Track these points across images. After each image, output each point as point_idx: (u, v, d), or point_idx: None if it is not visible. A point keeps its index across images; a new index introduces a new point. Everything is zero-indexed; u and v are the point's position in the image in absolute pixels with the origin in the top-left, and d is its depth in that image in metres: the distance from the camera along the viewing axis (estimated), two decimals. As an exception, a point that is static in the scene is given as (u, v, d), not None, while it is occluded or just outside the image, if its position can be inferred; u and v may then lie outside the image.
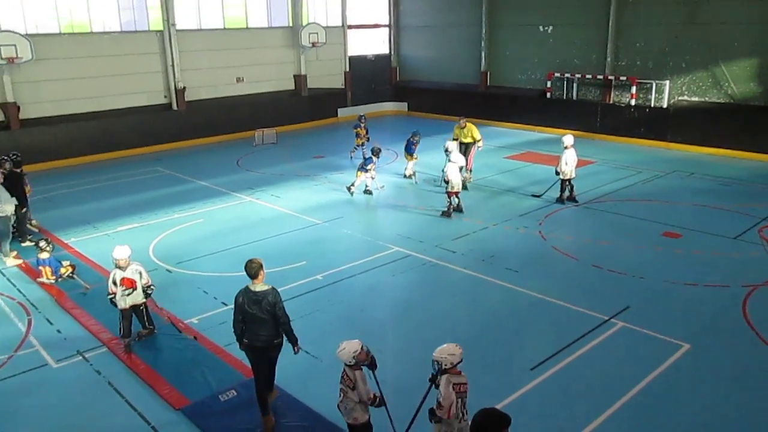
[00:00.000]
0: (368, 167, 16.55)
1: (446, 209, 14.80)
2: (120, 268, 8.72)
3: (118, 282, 8.71)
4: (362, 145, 20.23)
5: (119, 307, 8.81)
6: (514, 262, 11.92)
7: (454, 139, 17.39)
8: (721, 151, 20.59)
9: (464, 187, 16.04)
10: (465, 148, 17.55)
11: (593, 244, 12.88)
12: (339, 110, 29.60)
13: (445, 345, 5.80)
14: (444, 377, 5.66)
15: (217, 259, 12.33)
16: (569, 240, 13.10)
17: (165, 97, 24.11)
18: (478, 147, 17.74)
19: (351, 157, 20.67)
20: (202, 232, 14.12)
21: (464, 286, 11.07)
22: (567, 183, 15.56)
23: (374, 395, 6.15)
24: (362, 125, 20.37)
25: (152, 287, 9.09)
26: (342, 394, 6.12)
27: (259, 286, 6.88)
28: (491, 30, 27.64)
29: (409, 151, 18.03)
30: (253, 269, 6.85)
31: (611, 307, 9.92)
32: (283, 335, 7.05)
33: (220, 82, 25.53)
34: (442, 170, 15.01)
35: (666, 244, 12.74)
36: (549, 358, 8.49)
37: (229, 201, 16.60)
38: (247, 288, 6.94)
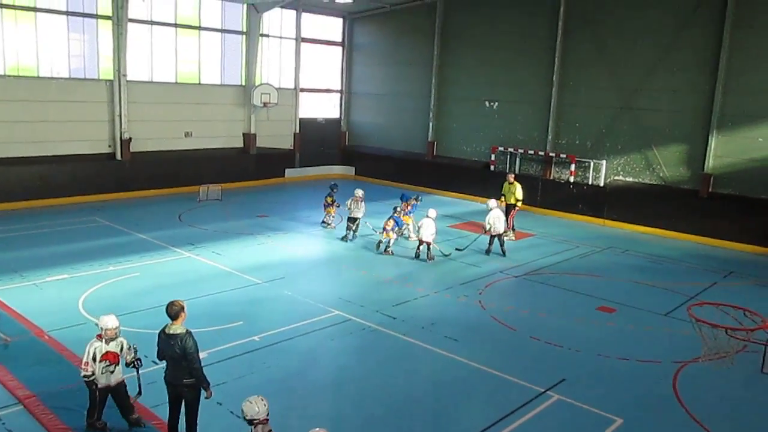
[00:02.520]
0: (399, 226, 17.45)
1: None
2: (104, 340, 7.66)
3: (98, 357, 7.60)
4: (333, 212, 19.86)
5: (100, 385, 7.67)
6: (453, 331, 11.94)
7: (502, 195, 19.39)
8: (654, 230, 21.48)
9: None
10: (506, 209, 19.13)
11: (531, 315, 13.07)
12: (287, 170, 29.70)
13: (252, 398, 6.13)
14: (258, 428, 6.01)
15: (152, 316, 11.86)
16: (508, 310, 13.25)
17: (109, 146, 23.69)
18: (517, 207, 19.36)
19: (328, 225, 19.87)
20: (138, 286, 13.66)
21: (403, 353, 10.98)
22: (494, 238, 17.34)
23: None
24: (334, 194, 19.83)
25: (140, 361, 7.85)
26: None
27: (174, 328, 7.19)
28: (440, 102, 28.55)
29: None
30: (174, 310, 7.20)
31: (547, 379, 9.99)
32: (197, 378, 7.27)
33: (167, 135, 25.33)
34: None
35: (601, 318, 13.04)
36: (485, 429, 8.42)
37: (168, 256, 16.20)
38: (162, 329, 7.27)
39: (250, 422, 6.04)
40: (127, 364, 7.80)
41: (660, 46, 21.69)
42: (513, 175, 20.37)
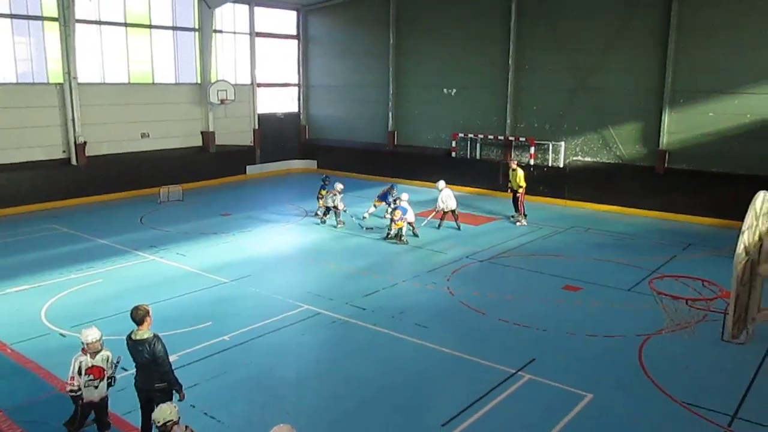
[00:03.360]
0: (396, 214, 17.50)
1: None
2: (89, 353, 7.34)
3: (83, 371, 7.28)
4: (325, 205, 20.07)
5: (85, 399, 7.34)
6: (423, 318, 12.03)
7: (509, 181, 19.98)
8: (614, 207, 21.92)
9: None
10: (513, 195, 19.94)
11: (499, 298, 13.24)
12: (248, 167, 29.40)
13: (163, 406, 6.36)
14: None
15: (117, 322, 11.65)
16: (476, 295, 13.40)
17: (63, 152, 23.12)
18: (520, 192, 19.77)
19: (323, 221, 19.87)
20: (102, 292, 13.40)
21: (375, 343, 11.03)
22: (445, 214, 18.95)
23: None
24: (327, 186, 20.14)
25: (114, 378, 7.58)
26: None
27: (141, 333, 7.14)
28: (398, 91, 28.56)
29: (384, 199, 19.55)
30: (139, 315, 7.12)
31: (518, 360, 10.15)
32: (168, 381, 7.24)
33: (124, 137, 24.81)
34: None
35: (567, 297, 13.28)
36: (460, 413, 8.53)
37: (131, 260, 15.92)
38: (129, 335, 7.18)
39: (164, 426, 6.26)
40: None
41: (612, 26, 22.04)
42: (515, 162, 20.77)
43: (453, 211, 18.96)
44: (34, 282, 14.00)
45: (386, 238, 17.79)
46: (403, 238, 17.48)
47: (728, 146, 20.26)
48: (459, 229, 18.89)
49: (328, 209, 19.49)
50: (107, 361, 7.44)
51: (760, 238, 7.60)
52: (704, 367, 10.08)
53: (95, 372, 7.34)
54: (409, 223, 17.81)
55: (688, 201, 20.61)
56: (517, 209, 19.98)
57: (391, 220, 17.66)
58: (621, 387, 9.38)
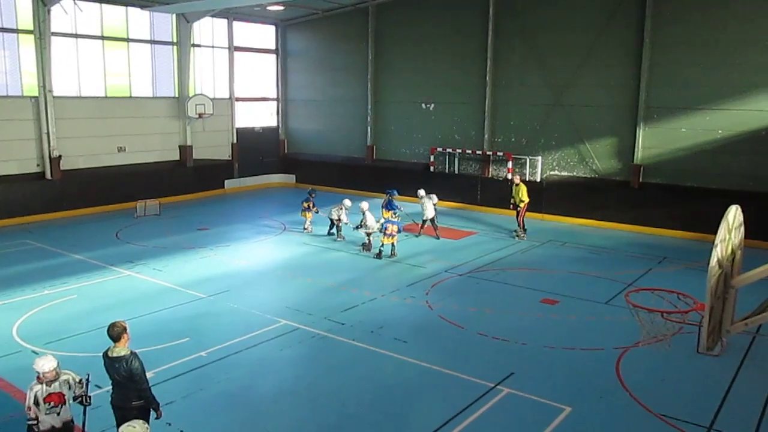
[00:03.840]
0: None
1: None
2: (44, 382, 6.89)
3: (41, 401, 6.85)
4: (311, 217, 20.62)
5: (44, 427, 6.90)
6: (402, 333, 12.02)
7: (512, 197, 20.05)
8: (590, 221, 22.17)
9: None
10: (516, 210, 20.09)
11: (478, 312, 13.28)
12: (226, 182, 29.26)
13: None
14: None
15: (92, 338, 11.50)
16: (455, 309, 13.43)
17: (38, 165, 22.82)
18: (521, 207, 19.92)
19: (308, 231, 20.46)
20: (76, 309, 13.19)
21: (353, 358, 10.98)
22: (425, 222, 19.71)
23: None
24: (312, 199, 20.63)
25: (89, 398, 7.14)
26: None
27: (117, 351, 7.00)
28: (377, 106, 28.69)
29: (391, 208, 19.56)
30: (115, 332, 7.00)
31: (497, 374, 10.17)
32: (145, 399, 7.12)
33: (100, 151, 24.57)
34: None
35: (545, 311, 13.37)
36: (439, 427, 8.51)
37: (107, 275, 15.71)
38: (105, 352, 7.08)
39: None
40: (74, 399, 7.12)
41: (587, 44, 22.42)
42: (519, 177, 21.02)
43: (432, 220, 19.56)
44: (6, 298, 13.74)
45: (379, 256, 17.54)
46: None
47: (701, 161, 20.66)
48: (438, 238, 19.54)
49: (332, 223, 19.74)
50: (68, 384, 7.03)
51: (733, 252, 7.74)
52: (680, 379, 10.19)
53: (54, 399, 6.94)
54: (367, 234, 17.98)
55: (662, 215, 20.92)
56: (519, 223, 20.11)
57: (389, 234, 17.38)
58: (599, 400, 9.44)
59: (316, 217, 20.79)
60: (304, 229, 20.51)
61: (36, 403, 6.81)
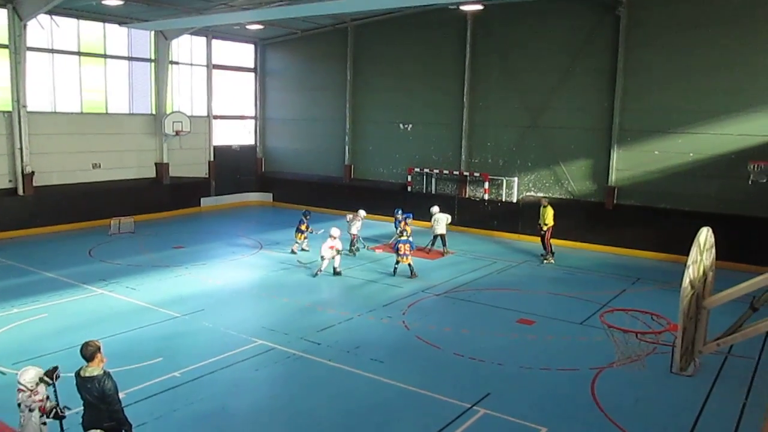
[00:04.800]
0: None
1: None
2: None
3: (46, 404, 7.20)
4: (305, 238, 20.32)
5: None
6: (379, 353, 11.97)
7: (539, 220, 20.04)
8: (565, 242, 22.34)
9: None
10: (542, 233, 20.01)
11: (454, 332, 13.28)
12: (202, 200, 29.07)
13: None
14: None
15: (62, 358, 11.25)
16: (432, 329, 13.42)
17: (10, 181, 22.45)
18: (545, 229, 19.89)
19: (295, 252, 20.12)
20: (46, 328, 12.93)
21: (329, 378, 10.90)
22: (436, 238, 20.40)
23: None
24: (306, 221, 20.30)
25: (65, 409, 7.27)
26: None
27: (91, 370, 6.86)
28: (355, 125, 28.79)
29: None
30: (89, 351, 6.87)
31: (473, 394, 10.17)
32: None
33: (74, 168, 24.26)
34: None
35: (521, 331, 13.42)
36: (415, 449, 8.47)
37: (79, 294, 15.44)
38: (77, 372, 6.90)
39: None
40: (48, 414, 7.20)
41: (562, 67, 22.78)
42: (546, 200, 20.78)
43: (442, 236, 20.34)
44: (-26, 317, 13.44)
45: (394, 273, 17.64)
46: (414, 273, 17.46)
47: (673, 183, 21.02)
48: (444, 254, 20.27)
49: (351, 242, 20.15)
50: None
51: (705, 273, 7.85)
52: (654, 399, 10.28)
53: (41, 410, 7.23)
54: (338, 250, 17.56)
55: (636, 236, 21.21)
56: (544, 247, 20.01)
57: (404, 254, 17.37)
58: (574, 420, 9.47)
59: (309, 238, 20.42)
60: (292, 251, 20.05)
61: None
